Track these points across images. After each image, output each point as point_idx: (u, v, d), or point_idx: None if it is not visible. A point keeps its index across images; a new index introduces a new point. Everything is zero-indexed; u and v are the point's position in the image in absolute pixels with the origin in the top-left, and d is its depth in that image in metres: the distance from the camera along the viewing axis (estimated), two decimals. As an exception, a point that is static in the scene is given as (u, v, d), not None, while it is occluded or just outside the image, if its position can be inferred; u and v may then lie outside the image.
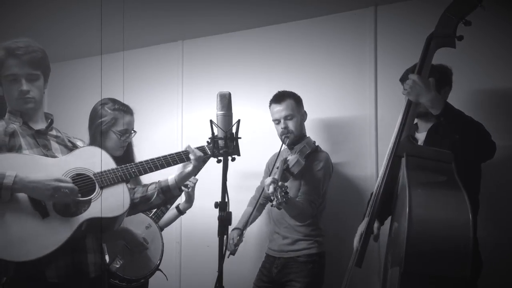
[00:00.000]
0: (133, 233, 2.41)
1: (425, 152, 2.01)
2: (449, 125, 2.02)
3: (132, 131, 2.60)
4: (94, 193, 1.90)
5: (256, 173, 3.09)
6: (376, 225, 2.28)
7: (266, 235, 2.99)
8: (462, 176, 1.88)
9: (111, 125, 2.50)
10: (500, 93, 2.67)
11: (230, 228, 2.15)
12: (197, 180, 2.75)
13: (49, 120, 2.03)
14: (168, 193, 2.14)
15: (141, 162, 2.06)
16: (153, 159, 2.08)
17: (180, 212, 2.84)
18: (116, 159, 2.54)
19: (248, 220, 2.72)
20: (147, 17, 3.31)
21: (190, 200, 2.78)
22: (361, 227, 2.25)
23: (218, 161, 2.15)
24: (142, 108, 2.72)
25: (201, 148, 2.17)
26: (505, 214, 2.59)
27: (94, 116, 2.54)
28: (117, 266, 2.37)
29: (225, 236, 1.89)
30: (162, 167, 2.09)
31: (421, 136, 2.29)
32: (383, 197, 2.11)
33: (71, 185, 1.80)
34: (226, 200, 1.92)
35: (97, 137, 2.51)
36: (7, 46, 1.90)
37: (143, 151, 2.78)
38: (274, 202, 2.28)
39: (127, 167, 2.01)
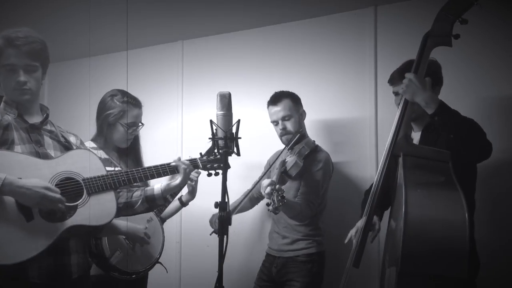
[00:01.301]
0: (135, 228, 2.41)
1: (422, 151, 2.01)
2: (444, 124, 2.01)
3: (140, 124, 2.60)
4: (81, 200, 1.87)
5: (256, 174, 3.09)
6: (376, 221, 2.29)
7: (266, 235, 2.99)
8: (457, 175, 1.87)
9: (119, 117, 2.50)
10: (498, 92, 2.67)
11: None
12: (200, 173, 2.74)
13: (45, 115, 2.00)
14: (152, 202, 2.13)
15: (132, 170, 2.04)
16: (144, 168, 2.07)
17: (183, 204, 2.83)
18: (122, 150, 2.57)
19: (238, 206, 2.69)
20: (147, 17, 3.31)
21: (193, 193, 2.77)
22: (359, 222, 2.26)
23: (209, 175, 2.17)
24: (142, 108, 2.73)
25: (193, 161, 2.16)
26: (506, 215, 2.59)
27: (103, 107, 2.53)
28: (117, 259, 2.37)
29: (225, 236, 1.90)
30: (153, 177, 2.08)
31: (416, 136, 2.29)
32: (380, 196, 2.11)
33: (58, 196, 1.77)
34: (226, 200, 1.92)
35: (104, 128, 2.51)
36: (7, 35, 1.87)
37: (143, 151, 2.79)
38: (271, 207, 2.28)
39: (117, 175, 1.99)
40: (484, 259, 2.20)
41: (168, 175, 2.12)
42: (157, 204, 2.16)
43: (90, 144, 2.48)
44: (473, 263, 2.12)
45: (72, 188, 1.88)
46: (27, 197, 1.72)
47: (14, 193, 1.72)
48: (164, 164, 2.10)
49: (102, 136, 2.52)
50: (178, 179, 2.11)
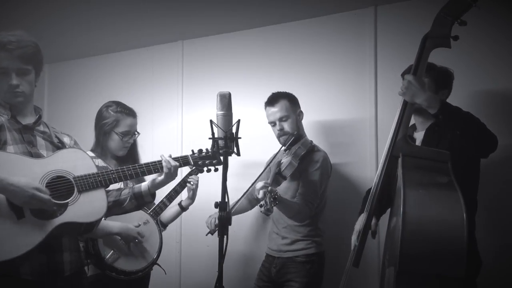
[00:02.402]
0: (127, 228, 2.46)
1: (421, 152, 2.02)
2: (449, 121, 2.02)
3: (136, 133, 2.69)
4: (72, 197, 1.89)
5: (255, 174, 3.09)
6: (373, 221, 2.29)
7: (266, 235, 2.99)
8: (460, 176, 1.88)
9: (113, 127, 2.60)
10: (498, 92, 2.67)
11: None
12: (198, 178, 2.78)
13: (38, 116, 2.02)
14: (140, 199, 2.15)
15: (122, 168, 2.06)
16: (134, 166, 2.09)
17: (183, 208, 2.89)
18: (120, 159, 2.65)
19: (234, 206, 2.68)
20: (147, 17, 3.31)
21: (192, 197, 2.84)
22: (358, 225, 2.26)
23: (201, 171, 2.23)
24: (142, 108, 2.74)
25: (184, 158, 2.18)
26: (506, 214, 2.59)
27: (99, 117, 2.65)
28: (113, 259, 2.41)
29: (225, 236, 1.90)
30: (143, 174, 2.10)
31: (419, 136, 2.29)
32: (379, 196, 2.11)
33: (47, 197, 1.78)
34: (226, 200, 1.93)
35: (101, 138, 2.61)
36: None
37: (143, 151, 2.80)
38: (263, 208, 2.28)
39: (108, 172, 2.01)
40: (485, 259, 2.20)
41: (159, 172, 2.14)
42: (145, 201, 2.18)
43: (89, 153, 2.52)
44: (475, 262, 2.13)
45: (62, 186, 1.90)
46: (17, 196, 1.74)
47: (4, 190, 1.74)
48: (154, 162, 2.13)
49: (99, 146, 2.62)
50: (162, 175, 2.13)
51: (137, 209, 2.23)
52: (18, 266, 1.78)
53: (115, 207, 2.14)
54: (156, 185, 2.15)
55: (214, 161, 2.18)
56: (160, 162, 2.11)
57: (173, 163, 2.11)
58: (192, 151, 2.22)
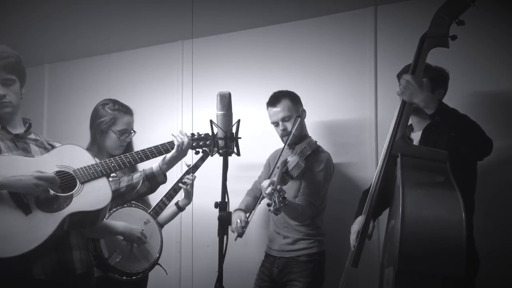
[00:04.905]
0: (131, 228, 2.44)
1: (420, 151, 2.02)
2: (445, 123, 2.02)
3: (132, 131, 2.67)
4: (75, 189, 1.91)
5: (255, 174, 3.09)
6: (370, 224, 2.29)
7: (266, 235, 2.99)
8: (457, 175, 1.88)
9: (110, 125, 2.58)
10: (496, 92, 2.67)
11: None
12: (195, 176, 2.79)
13: (27, 125, 2.04)
14: (153, 180, 2.20)
15: (120, 156, 2.10)
16: (132, 153, 2.14)
17: (180, 208, 2.88)
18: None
19: (254, 208, 2.68)
20: (147, 17, 3.31)
21: (189, 197, 2.84)
22: (356, 226, 2.25)
23: (196, 153, 2.33)
24: (142, 108, 2.74)
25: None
26: (504, 215, 2.59)
27: (95, 115, 2.62)
28: (116, 260, 2.40)
29: (225, 236, 1.90)
30: (142, 160, 2.15)
31: (416, 136, 2.29)
32: (378, 196, 2.12)
33: (52, 175, 1.82)
34: (226, 200, 1.93)
35: (97, 136, 2.58)
36: None
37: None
38: (272, 208, 2.28)
39: (107, 161, 2.04)
40: (483, 259, 2.20)
41: (157, 156, 2.19)
42: (157, 182, 2.22)
43: None
44: (473, 262, 2.13)
45: (64, 180, 1.91)
46: (22, 183, 1.75)
47: (8, 183, 1.75)
48: (151, 147, 2.18)
49: (96, 144, 2.60)
50: (173, 150, 2.18)
51: (151, 191, 2.28)
52: (31, 267, 1.79)
53: (129, 192, 2.19)
54: (168, 162, 2.20)
55: (207, 142, 2.24)
56: (156, 146, 2.18)
57: (185, 138, 2.19)
58: (192, 133, 2.28)
